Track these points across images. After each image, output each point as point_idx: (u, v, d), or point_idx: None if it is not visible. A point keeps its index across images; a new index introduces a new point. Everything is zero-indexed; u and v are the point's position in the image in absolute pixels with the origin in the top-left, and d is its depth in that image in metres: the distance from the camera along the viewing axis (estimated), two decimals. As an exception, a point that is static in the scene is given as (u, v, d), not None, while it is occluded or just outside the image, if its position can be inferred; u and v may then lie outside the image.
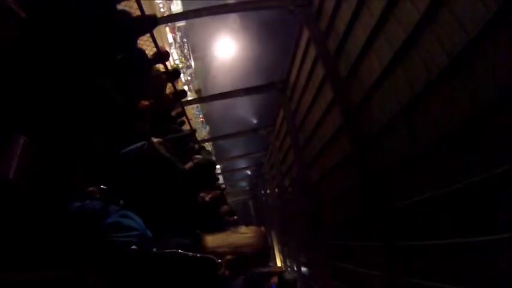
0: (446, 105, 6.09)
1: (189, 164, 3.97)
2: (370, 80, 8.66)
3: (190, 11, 15.60)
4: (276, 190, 27.77)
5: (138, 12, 4.80)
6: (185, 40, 37.56)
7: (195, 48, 37.35)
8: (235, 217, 10.01)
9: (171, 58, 30.61)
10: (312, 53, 12.43)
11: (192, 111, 34.42)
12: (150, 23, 4.55)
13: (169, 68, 5.66)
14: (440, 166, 6.54)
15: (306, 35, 12.71)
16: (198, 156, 4.17)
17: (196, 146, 8.44)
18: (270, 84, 18.18)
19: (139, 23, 4.38)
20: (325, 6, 10.81)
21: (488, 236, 5.38)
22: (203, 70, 38.75)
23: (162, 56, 5.16)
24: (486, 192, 5.39)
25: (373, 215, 9.48)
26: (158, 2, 29.17)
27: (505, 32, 4.70)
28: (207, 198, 4.11)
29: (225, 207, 8.51)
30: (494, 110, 5.04)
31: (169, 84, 6.12)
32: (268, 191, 34.10)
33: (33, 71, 2.41)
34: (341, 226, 12.86)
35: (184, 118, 8.13)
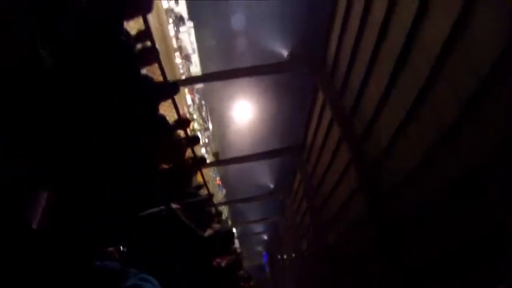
0: (457, 157, 6.13)
1: (208, 232, 3.97)
2: (385, 138, 8.72)
3: (208, 74, 16.26)
4: (293, 254, 27.15)
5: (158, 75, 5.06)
6: (203, 102, 38.42)
7: (213, 110, 38.11)
8: (251, 283, 9.75)
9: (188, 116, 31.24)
10: (328, 113, 12.61)
11: (209, 173, 34.57)
12: (171, 89, 4.74)
13: (189, 133, 5.80)
14: (453, 219, 6.47)
15: (321, 96, 12.97)
16: (216, 225, 4.19)
17: (214, 210, 8.46)
18: (286, 148, 18.34)
19: (161, 89, 4.56)
20: (339, 66, 11.13)
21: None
22: (221, 132, 39.29)
23: (183, 123, 5.32)
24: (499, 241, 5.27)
25: (391, 273, 9.20)
26: (178, 62, 30.13)
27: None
28: (222, 264, 4.07)
29: (241, 273, 8.33)
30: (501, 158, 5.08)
31: (189, 150, 6.29)
32: (285, 256, 33.32)
33: (63, 132, 2.51)
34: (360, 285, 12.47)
35: (201, 182, 8.20)
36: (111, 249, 2.39)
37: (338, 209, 13.56)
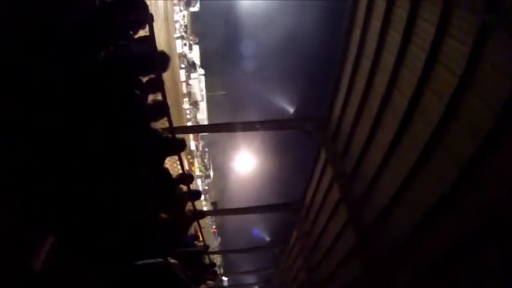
0: (458, 218, 6.17)
1: (209, 284, 4.04)
2: (383, 202, 8.80)
3: (213, 125, 16.55)
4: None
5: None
6: (207, 150, 38.63)
7: (216, 159, 38.31)
8: None
9: (191, 164, 31.25)
10: (329, 173, 12.70)
11: (205, 220, 34.22)
12: (179, 146, 4.89)
13: (191, 188, 5.93)
14: (457, 279, 6.42)
15: (323, 155, 13.13)
16: (211, 282, 4.24)
17: (207, 260, 8.41)
18: (285, 204, 18.28)
19: (168, 145, 4.71)
20: (342, 128, 11.36)
21: None
22: (221, 181, 39.29)
23: (186, 178, 5.46)
24: None
25: None
26: (185, 108, 30.50)
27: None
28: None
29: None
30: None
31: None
32: (276, 311, 32.35)
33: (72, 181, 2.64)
34: None
35: (198, 233, 8.22)
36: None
37: (333, 269, 13.37)
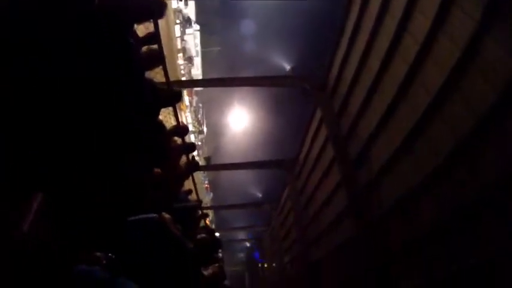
0: (453, 189, 6.20)
1: (201, 235, 4.01)
2: (379, 164, 8.82)
3: (209, 79, 16.27)
4: (274, 265, 27.11)
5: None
6: (201, 105, 38.45)
7: (209, 114, 38.15)
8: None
9: (185, 120, 31.23)
10: (324, 133, 12.70)
11: (198, 176, 34.48)
12: (174, 97, 4.74)
13: (186, 140, 5.82)
14: (448, 246, 6.52)
15: (318, 115, 13.06)
16: (203, 235, 4.20)
17: (200, 213, 8.43)
18: (278, 161, 18.35)
19: (164, 96, 4.56)
20: (340, 88, 11.21)
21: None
22: (214, 137, 39.31)
23: (181, 131, 5.33)
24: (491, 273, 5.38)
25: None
26: (180, 63, 30.15)
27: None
28: (206, 274, 4.08)
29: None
30: (498, 192, 5.16)
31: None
32: (265, 265, 33.24)
33: (58, 132, 2.51)
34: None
35: (192, 187, 8.19)
36: (98, 254, 2.39)
37: (325, 228, 13.60)
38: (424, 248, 7.26)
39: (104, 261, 2.36)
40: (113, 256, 2.43)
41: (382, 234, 9.08)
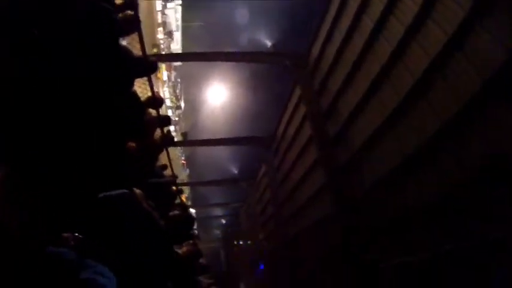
0: (436, 171, 6.27)
1: (174, 213, 3.88)
2: (358, 144, 8.81)
3: (189, 53, 15.92)
4: (249, 242, 27.34)
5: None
6: (179, 80, 37.92)
7: (187, 90, 37.66)
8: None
9: (163, 95, 30.82)
10: (302, 110, 12.66)
11: (175, 152, 34.26)
12: (150, 67, 4.52)
13: (161, 113, 5.61)
14: (424, 231, 6.64)
15: (298, 92, 12.98)
16: (176, 212, 4.09)
17: (175, 189, 8.29)
18: (256, 138, 18.29)
19: (139, 65, 4.35)
20: (321, 66, 11.15)
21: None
22: (192, 112, 38.91)
23: (156, 102, 5.13)
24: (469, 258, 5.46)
25: (354, 274, 9.33)
26: (160, 37, 29.63)
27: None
28: (180, 252, 3.98)
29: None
30: (480, 178, 5.23)
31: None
32: (241, 242, 33.52)
33: (24, 103, 2.34)
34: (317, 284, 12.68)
35: (167, 162, 8.03)
36: (66, 235, 2.24)
37: (301, 205, 13.68)
38: (404, 228, 7.34)
39: (72, 242, 2.22)
40: (81, 236, 2.29)
41: (362, 213, 9.16)
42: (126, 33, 3.96)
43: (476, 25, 5.19)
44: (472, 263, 5.43)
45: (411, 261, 6.93)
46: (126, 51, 3.86)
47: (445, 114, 5.86)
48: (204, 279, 8.16)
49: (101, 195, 2.88)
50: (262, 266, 24.20)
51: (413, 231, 7.06)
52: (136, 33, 4.56)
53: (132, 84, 4.18)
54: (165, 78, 32.74)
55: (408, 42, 6.78)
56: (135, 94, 4.19)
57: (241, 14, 24.30)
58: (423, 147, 6.47)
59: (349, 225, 9.66)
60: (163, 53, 26.48)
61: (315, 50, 11.36)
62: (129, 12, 3.83)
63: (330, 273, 11.42)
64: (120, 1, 3.87)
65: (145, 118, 4.67)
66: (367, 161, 8.67)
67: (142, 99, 4.75)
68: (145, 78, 5.19)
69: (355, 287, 9.28)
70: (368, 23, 8.16)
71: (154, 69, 4.62)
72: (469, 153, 5.48)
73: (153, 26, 27.66)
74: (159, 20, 29.68)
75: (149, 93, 5.47)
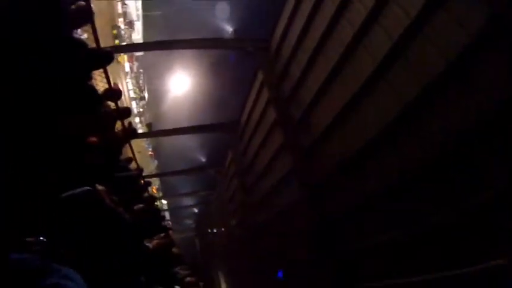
0: (396, 154, 6.46)
1: (138, 206, 3.86)
2: (322, 127, 8.94)
3: (150, 42, 15.62)
4: (223, 229, 27.43)
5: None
6: (141, 70, 37.30)
7: (151, 80, 37.10)
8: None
9: (125, 87, 30.23)
10: (265, 95, 12.66)
11: (141, 144, 33.83)
12: (105, 58, 4.41)
13: (119, 105, 5.51)
14: (389, 211, 6.82)
15: (260, 77, 12.96)
16: (140, 205, 4.06)
17: (143, 182, 8.21)
18: (221, 124, 18.25)
19: (94, 57, 4.24)
20: (283, 50, 11.13)
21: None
22: (156, 103, 38.37)
23: (114, 94, 5.02)
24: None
25: (323, 258, 9.54)
26: (121, 28, 29.06)
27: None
28: (150, 246, 3.96)
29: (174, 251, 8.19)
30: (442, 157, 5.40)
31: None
32: (215, 230, 33.59)
33: None
34: (288, 269, 12.88)
35: (131, 155, 7.93)
36: (29, 239, 2.19)
37: (268, 191, 13.78)
38: (366, 212, 7.53)
39: (36, 247, 2.17)
40: (45, 240, 2.24)
41: (325, 198, 9.33)
42: (79, 25, 3.86)
43: (439, 7, 5.25)
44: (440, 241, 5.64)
45: (373, 244, 7.16)
46: (80, 43, 3.76)
47: (406, 97, 5.96)
48: (180, 270, 8.15)
49: (64, 194, 2.82)
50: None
51: (374, 215, 7.25)
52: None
53: (89, 77, 4.08)
54: (127, 69, 32.13)
55: (370, 24, 6.82)
56: (92, 86, 4.09)
57: (202, 2, 23.97)
58: (384, 130, 6.59)
59: (312, 211, 9.82)
60: (125, 43, 25.96)
61: (277, 35, 11.33)
62: (81, 3, 3.72)
63: (299, 262, 11.63)
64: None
65: (103, 111, 4.57)
66: (329, 145, 8.79)
67: (100, 92, 4.65)
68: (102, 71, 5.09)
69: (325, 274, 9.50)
70: (330, 6, 8.14)
71: (109, 60, 4.50)
72: (430, 136, 5.62)
73: (114, 16, 27.12)
74: (120, 11, 29.08)
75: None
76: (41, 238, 2.19)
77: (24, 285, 1.61)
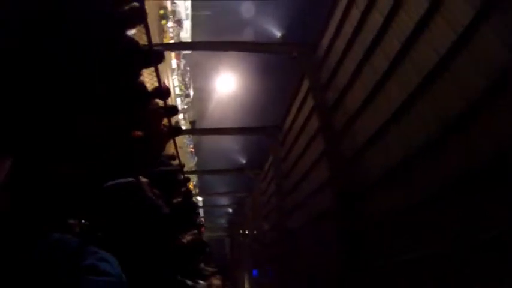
0: (439, 166, 6.26)
1: (177, 200, 3.97)
2: (364, 137, 8.84)
3: (198, 42, 15.96)
4: (255, 232, 27.48)
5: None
6: (188, 68, 37.94)
7: (196, 78, 37.70)
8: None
9: (171, 84, 30.85)
10: (310, 102, 12.61)
11: (183, 140, 34.38)
12: (156, 57, 4.56)
13: (168, 103, 5.67)
14: (423, 228, 6.64)
15: (306, 83, 12.94)
16: (179, 199, 4.17)
17: (182, 177, 8.37)
18: (263, 128, 18.35)
19: (146, 56, 4.39)
20: (330, 58, 11.10)
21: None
22: (201, 101, 38.96)
23: (163, 93, 5.17)
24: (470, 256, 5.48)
25: (352, 270, 9.38)
26: (169, 26, 29.66)
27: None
28: (184, 241, 4.06)
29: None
30: (485, 173, 5.21)
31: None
32: (246, 232, 33.70)
33: (28, 92, 2.38)
34: (316, 278, 12.73)
35: (174, 152, 8.11)
36: (72, 221, 2.31)
37: (305, 198, 13.72)
38: (404, 225, 7.37)
39: (78, 229, 2.28)
40: (87, 223, 2.36)
41: (361, 209, 9.20)
42: (132, 26, 4.00)
43: (484, 24, 5.16)
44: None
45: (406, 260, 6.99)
46: (132, 42, 3.92)
47: (450, 110, 5.85)
48: (208, 268, 8.27)
49: (108, 183, 2.95)
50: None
51: (413, 229, 7.07)
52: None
53: (138, 75, 4.23)
54: (174, 66, 32.76)
55: (416, 37, 6.74)
56: (141, 84, 4.24)
57: (251, 4, 24.22)
58: (427, 142, 6.48)
59: (346, 220, 9.71)
60: (173, 41, 26.54)
61: (324, 42, 11.31)
62: (135, 4, 3.86)
63: (328, 273, 11.50)
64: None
65: (151, 108, 4.73)
66: (370, 156, 8.69)
67: (149, 89, 4.81)
68: (153, 68, 5.24)
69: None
70: (377, 16, 8.09)
71: (160, 59, 4.65)
72: (472, 150, 5.48)
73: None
74: (169, 9, 29.71)
75: (157, 83, 5.53)
76: (83, 221, 2.32)
77: (64, 264, 1.69)
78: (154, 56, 4.54)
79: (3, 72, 2.19)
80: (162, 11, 26.68)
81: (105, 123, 3.28)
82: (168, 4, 29.47)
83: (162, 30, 26.92)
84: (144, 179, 3.08)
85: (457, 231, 5.74)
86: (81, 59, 2.69)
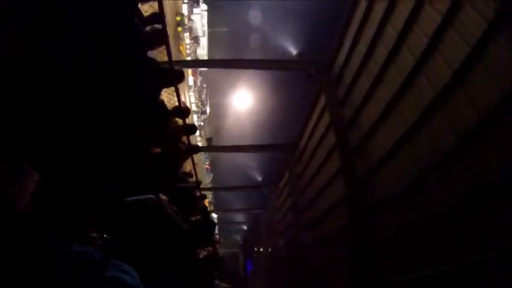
0: (448, 186, 6.25)
1: (196, 217, 4.03)
2: (377, 156, 8.86)
3: (215, 60, 16.14)
4: (270, 249, 27.34)
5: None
6: (205, 85, 38.27)
7: (213, 95, 37.98)
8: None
9: (188, 100, 31.14)
10: (326, 119, 12.67)
11: (199, 156, 34.52)
12: (176, 77, 4.70)
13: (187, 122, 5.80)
14: (436, 245, 6.58)
15: (322, 100, 13.01)
16: (198, 217, 4.22)
17: (198, 193, 8.46)
18: (279, 145, 18.41)
19: (166, 75, 4.52)
20: (346, 75, 11.17)
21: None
22: (217, 118, 39.16)
23: (183, 112, 5.30)
24: (480, 274, 5.39)
25: (366, 287, 9.31)
26: (186, 43, 29.99)
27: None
28: (201, 256, 4.12)
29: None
30: (501, 187, 5.15)
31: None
32: (261, 249, 33.52)
33: (48, 108, 2.46)
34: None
35: (191, 169, 8.22)
36: (94, 234, 2.39)
37: (320, 215, 13.67)
38: (414, 244, 7.31)
39: (99, 242, 2.35)
40: (108, 237, 2.43)
41: (373, 227, 9.16)
42: (153, 47, 4.14)
43: (497, 36, 5.18)
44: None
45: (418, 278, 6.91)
46: (153, 62, 4.05)
47: (463, 126, 5.84)
48: (222, 284, 8.27)
49: (129, 199, 3.03)
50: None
51: (421, 246, 7.02)
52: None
53: (159, 94, 4.36)
54: (191, 83, 33.10)
55: (430, 52, 6.77)
56: (162, 103, 4.37)
57: (266, 21, 24.50)
58: (441, 160, 6.45)
59: (359, 238, 9.66)
60: (189, 58, 26.88)
61: (340, 59, 11.40)
62: (156, 26, 4.01)
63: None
64: (147, 14, 4.06)
65: (170, 126, 4.86)
66: (385, 174, 8.66)
67: (169, 107, 4.94)
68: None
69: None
70: (391, 33, 8.16)
71: (181, 78, 4.79)
72: (483, 168, 5.45)
73: (180, 31, 27.94)
74: (186, 26, 30.11)
75: (176, 101, 5.66)
76: (105, 235, 2.39)
77: (87, 275, 1.75)
78: (175, 76, 4.66)
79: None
80: (178, 18, 27.01)
81: (127, 140, 3.39)
82: (185, 21, 29.84)
83: (178, 37, 27.24)
84: (163, 196, 3.15)
85: (472, 246, 5.67)
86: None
